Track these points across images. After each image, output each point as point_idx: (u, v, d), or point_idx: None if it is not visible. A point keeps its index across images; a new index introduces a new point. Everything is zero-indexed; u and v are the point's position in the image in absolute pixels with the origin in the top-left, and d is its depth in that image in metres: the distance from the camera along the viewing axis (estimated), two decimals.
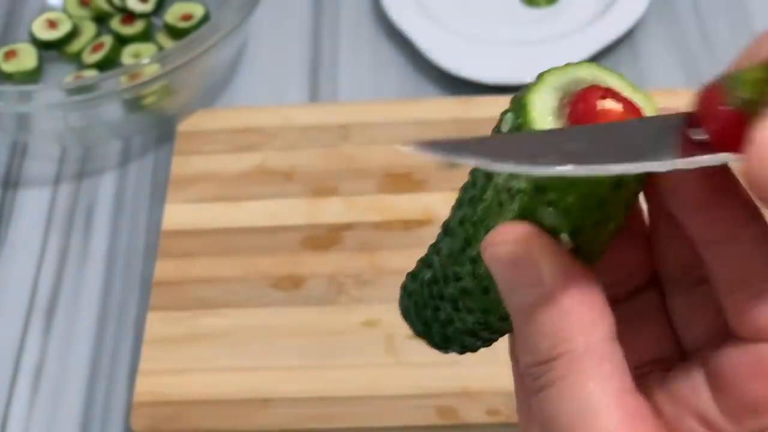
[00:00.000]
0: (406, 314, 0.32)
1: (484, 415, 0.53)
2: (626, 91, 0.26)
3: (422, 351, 0.55)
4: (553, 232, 0.25)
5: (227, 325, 0.57)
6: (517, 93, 0.26)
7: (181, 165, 0.64)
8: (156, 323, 0.57)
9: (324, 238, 0.60)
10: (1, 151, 0.69)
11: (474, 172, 0.28)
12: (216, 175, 0.64)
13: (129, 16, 0.73)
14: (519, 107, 0.26)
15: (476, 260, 0.27)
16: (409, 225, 0.61)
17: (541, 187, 0.25)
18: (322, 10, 0.76)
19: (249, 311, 0.58)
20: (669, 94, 0.65)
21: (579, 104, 0.25)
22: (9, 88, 0.65)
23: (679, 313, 0.29)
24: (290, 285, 0.59)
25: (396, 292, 0.57)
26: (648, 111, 0.25)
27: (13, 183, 0.67)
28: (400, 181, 0.63)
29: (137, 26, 0.73)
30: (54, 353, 0.59)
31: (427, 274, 0.30)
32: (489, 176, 0.26)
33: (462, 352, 0.31)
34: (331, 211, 0.62)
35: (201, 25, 0.70)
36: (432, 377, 0.54)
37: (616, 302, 0.29)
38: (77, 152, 0.69)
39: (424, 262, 0.31)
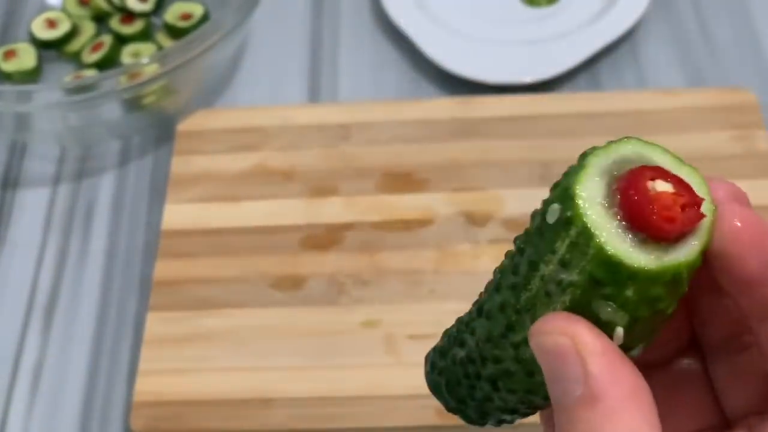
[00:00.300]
0: (436, 390, 0.31)
1: None
2: (672, 166, 0.25)
3: (422, 351, 0.55)
4: (606, 326, 0.24)
5: (227, 325, 0.57)
6: (560, 180, 0.25)
7: (180, 165, 0.64)
8: (156, 323, 0.57)
9: (324, 238, 0.60)
10: (0, 150, 0.69)
11: (514, 257, 0.27)
12: (216, 175, 0.64)
13: (128, 15, 0.73)
14: (565, 198, 0.25)
15: (520, 345, 0.26)
16: (409, 225, 0.61)
17: (596, 280, 0.24)
18: (322, 10, 0.76)
19: (249, 311, 0.58)
20: (669, 94, 0.65)
21: (630, 191, 0.24)
22: (8, 88, 0.65)
23: (721, 379, 0.28)
24: (290, 285, 0.58)
25: (396, 293, 0.57)
26: (695, 185, 0.25)
27: (12, 183, 0.67)
28: (400, 181, 0.63)
29: (137, 26, 0.72)
30: (53, 353, 0.59)
31: (460, 353, 0.29)
32: (533, 266, 0.25)
33: (499, 425, 0.30)
34: (331, 211, 0.62)
35: (200, 24, 0.70)
36: None
37: (655, 367, 0.28)
38: (77, 152, 0.69)
39: (455, 340, 0.30)
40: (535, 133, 0.64)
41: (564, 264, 0.24)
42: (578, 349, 0.24)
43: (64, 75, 0.71)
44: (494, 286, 0.28)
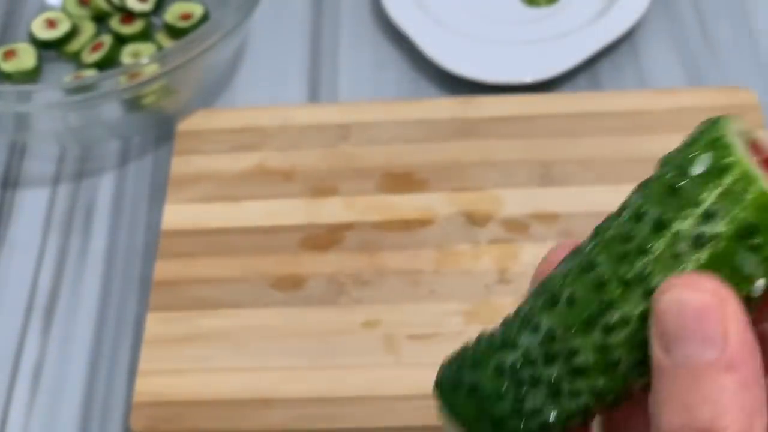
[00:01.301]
0: (463, 414, 0.28)
1: None
2: None
3: (422, 351, 0.55)
4: (744, 281, 0.24)
5: (227, 325, 0.57)
6: (696, 135, 0.25)
7: (180, 165, 0.64)
8: (155, 323, 0.57)
9: (324, 238, 0.60)
10: (0, 150, 0.69)
11: (627, 224, 0.25)
12: (216, 175, 0.64)
13: (128, 15, 0.73)
14: (719, 147, 0.24)
15: (614, 328, 0.25)
16: (409, 225, 0.61)
17: (749, 229, 0.23)
18: (322, 10, 0.76)
19: (249, 311, 0.58)
20: (669, 94, 0.65)
21: None
22: (8, 88, 0.65)
23: None
24: (290, 285, 0.58)
25: (396, 293, 0.57)
26: None
27: (12, 183, 0.67)
28: (400, 181, 0.63)
29: (136, 26, 0.72)
30: (53, 353, 0.59)
31: (510, 358, 0.27)
32: (661, 226, 0.24)
33: None
34: (331, 211, 0.62)
35: (200, 24, 0.70)
36: (432, 377, 0.54)
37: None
38: (76, 152, 0.69)
39: (499, 344, 0.27)
40: (535, 133, 0.64)
41: (709, 216, 0.24)
42: (724, 310, 0.23)
43: (64, 75, 0.71)
44: (580, 268, 0.26)
